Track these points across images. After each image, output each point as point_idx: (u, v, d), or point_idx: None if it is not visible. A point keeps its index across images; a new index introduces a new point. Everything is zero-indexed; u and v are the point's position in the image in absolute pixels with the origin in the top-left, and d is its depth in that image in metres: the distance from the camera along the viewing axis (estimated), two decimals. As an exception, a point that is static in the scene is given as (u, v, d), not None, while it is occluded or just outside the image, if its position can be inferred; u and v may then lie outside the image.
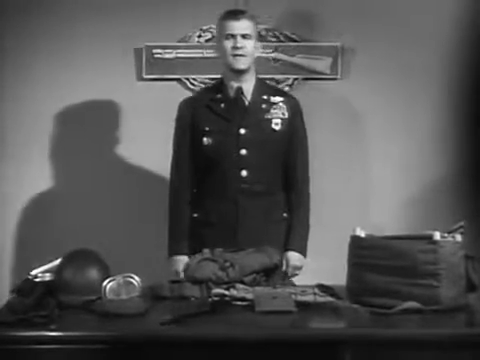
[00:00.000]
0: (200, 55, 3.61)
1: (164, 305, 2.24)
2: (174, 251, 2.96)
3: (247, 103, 2.93)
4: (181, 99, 3.05)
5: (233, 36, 2.86)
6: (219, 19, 2.93)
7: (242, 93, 2.92)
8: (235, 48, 2.86)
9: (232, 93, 2.93)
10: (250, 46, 2.88)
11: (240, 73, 2.90)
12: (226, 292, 2.22)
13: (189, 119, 2.97)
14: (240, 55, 2.86)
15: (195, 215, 2.99)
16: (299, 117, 3.00)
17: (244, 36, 2.86)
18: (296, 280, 2.66)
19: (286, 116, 2.95)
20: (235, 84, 2.92)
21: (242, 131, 2.91)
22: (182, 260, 2.82)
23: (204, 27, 3.60)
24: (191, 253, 2.74)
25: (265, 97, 2.95)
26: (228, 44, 2.87)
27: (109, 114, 3.65)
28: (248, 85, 2.94)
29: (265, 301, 2.13)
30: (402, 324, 1.99)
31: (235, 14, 2.89)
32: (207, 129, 2.93)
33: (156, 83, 3.64)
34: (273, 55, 3.61)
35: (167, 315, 2.09)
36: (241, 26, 2.86)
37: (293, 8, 3.61)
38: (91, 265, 2.27)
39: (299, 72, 3.62)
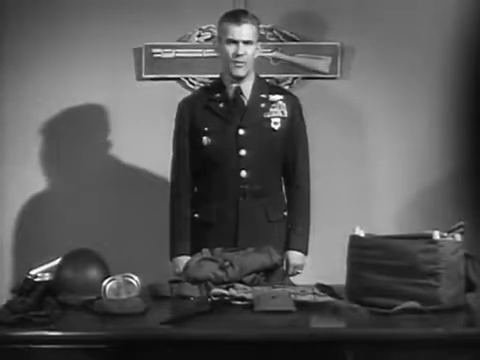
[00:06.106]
0: (199, 55, 3.61)
1: (164, 305, 2.24)
2: (176, 252, 2.96)
3: (246, 103, 2.92)
4: (180, 99, 3.05)
5: (235, 42, 2.83)
6: (220, 20, 2.89)
7: (241, 93, 2.92)
8: (236, 55, 2.84)
9: (231, 93, 2.93)
10: (251, 51, 2.85)
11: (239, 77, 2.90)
12: (225, 292, 2.22)
13: (188, 119, 2.96)
14: (241, 62, 2.85)
15: (196, 215, 2.98)
16: (299, 115, 3.00)
17: (246, 42, 2.83)
18: (296, 280, 2.66)
19: (285, 115, 2.95)
20: (234, 84, 2.92)
21: (241, 132, 2.90)
22: (184, 261, 2.79)
23: (203, 27, 3.60)
24: (192, 253, 2.73)
25: (264, 96, 2.95)
26: (229, 49, 2.84)
27: (109, 114, 3.65)
28: (247, 84, 2.93)
29: (264, 301, 2.13)
30: (402, 324, 1.99)
31: (237, 18, 2.82)
32: (206, 129, 2.92)
33: (155, 83, 3.64)
34: (273, 54, 3.61)
35: (167, 315, 2.09)
36: (243, 32, 2.82)
37: (293, 7, 3.61)
38: (91, 265, 2.27)
39: (299, 71, 3.62)
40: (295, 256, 2.95)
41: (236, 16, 2.85)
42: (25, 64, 3.63)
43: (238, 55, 2.83)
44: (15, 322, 1.96)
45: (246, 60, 2.85)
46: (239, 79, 2.90)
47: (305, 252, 2.98)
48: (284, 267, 2.85)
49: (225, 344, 1.94)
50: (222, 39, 2.87)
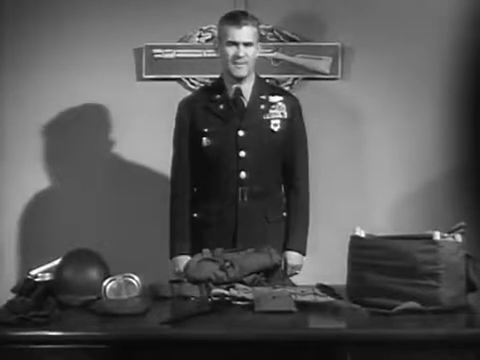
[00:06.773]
0: (200, 55, 3.61)
1: (164, 305, 2.24)
2: (176, 252, 2.96)
3: (246, 104, 2.92)
4: (181, 99, 3.05)
5: (235, 43, 2.83)
6: (220, 22, 2.89)
7: (241, 94, 2.92)
8: (237, 57, 2.84)
9: (231, 94, 2.93)
10: (252, 53, 2.85)
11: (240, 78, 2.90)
12: (226, 292, 2.23)
13: (188, 120, 2.96)
14: (241, 63, 2.85)
15: (195, 215, 2.98)
16: (299, 116, 3.00)
17: (246, 44, 2.83)
18: (296, 280, 2.65)
19: (285, 116, 2.95)
20: (234, 85, 2.92)
21: (241, 133, 2.90)
22: (184, 260, 2.78)
23: (204, 27, 3.60)
24: (192, 253, 2.74)
25: (263, 97, 2.95)
26: (230, 51, 2.84)
27: (109, 114, 3.65)
28: (247, 85, 2.93)
29: (265, 301, 2.13)
30: (402, 324, 2.00)
31: (237, 20, 2.82)
32: (206, 130, 2.92)
33: (156, 83, 3.64)
34: (273, 55, 3.61)
35: (167, 315, 2.10)
36: (243, 34, 2.82)
37: (293, 8, 3.61)
38: (91, 265, 2.27)
39: (299, 72, 3.62)
40: (293, 256, 2.95)
41: (236, 18, 2.85)
42: (25, 64, 3.63)
43: (239, 57, 2.83)
44: (15, 322, 1.97)
45: (247, 61, 2.85)
46: (240, 79, 2.90)
47: (303, 253, 2.98)
48: (282, 267, 2.85)
49: (225, 344, 1.94)
50: (222, 40, 2.87)
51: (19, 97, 3.65)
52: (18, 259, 3.69)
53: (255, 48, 2.87)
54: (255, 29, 2.86)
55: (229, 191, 2.91)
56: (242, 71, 2.86)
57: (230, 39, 2.83)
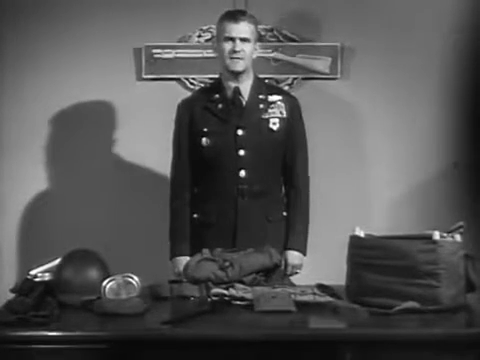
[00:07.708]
0: (200, 55, 3.61)
1: (164, 305, 2.24)
2: (176, 252, 2.96)
3: (244, 103, 2.93)
4: (180, 99, 3.05)
5: (232, 39, 2.85)
6: (219, 19, 2.91)
7: (239, 93, 2.92)
8: (233, 51, 2.85)
9: (229, 93, 2.93)
10: (248, 49, 2.87)
11: (237, 74, 2.90)
12: (225, 292, 2.23)
13: (187, 120, 2.97)
14: (238, 58, 2.86)
15: (195, 215, 2.98)
16: (298, 115, 3.00)
17: (243, 39, 2.85)
18: (296, 280, 2.65)
19: (284, 115, 2.95)
20: (232, 84, 2.92)
21: (240, 132, 2.91)
22: (184, 261, 2.76)
23: (204, 27, 3.60)
24: (192, 254, 2.74)
25: (262, 96, 2.95)
26: (226, 46, 2.86)
27: (108, 114, 3.65)
28: (246, 85, 2.94)
29: (264, 301, 2.13)
30: (402, 324, 1.99)
31: (235, 16, 2.87)
32: (205, 130, 2.93)
33: (155, 83, 3.64)
34: (273, 55, 3.61)
35: (167, 315, 2.10)
36: (240, 29, 2.85)
37: (293, 8, 3.61)
38: (91, 265, 2.27)
39: (299, 72, 3.62)
40: (293, 256, 2.95)
41: (233, 14, 2.90)
42: (25, 64, 3.62)
43: (235, 51, 2.85)
44: (15, 322, 1.96)
45: (243, 56, 2.86)
46: (237, 75, 2.90)
47: (304, 252, 2.98)
48: (282, 267, 2.85)
49: (225, 344, 1.94)
50: (220, 37, 2.89)
51: (19, 97, 3.64)
52: (18, 259, 3.69)
53: (252, 46, 2.89)
54: (252, 26, 2.88)
55: (229, 190, 2.91)
56: (239, 65, 2.87)
57: (227, 34, 2.86)
